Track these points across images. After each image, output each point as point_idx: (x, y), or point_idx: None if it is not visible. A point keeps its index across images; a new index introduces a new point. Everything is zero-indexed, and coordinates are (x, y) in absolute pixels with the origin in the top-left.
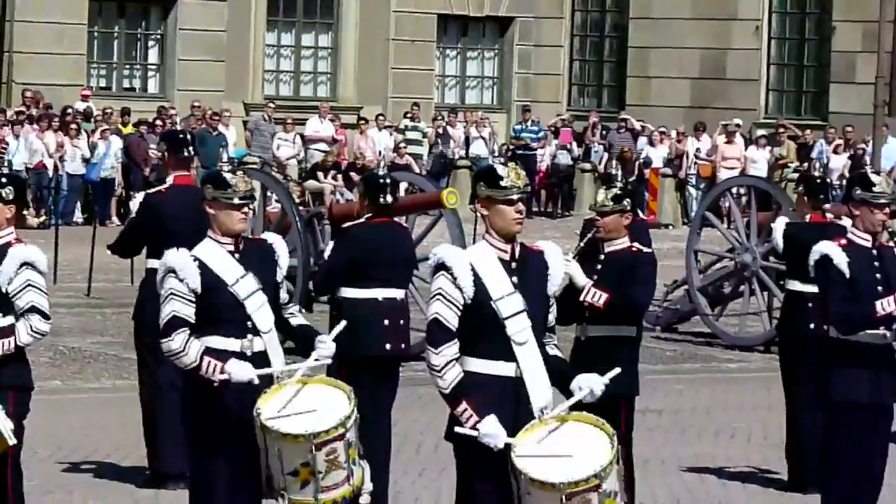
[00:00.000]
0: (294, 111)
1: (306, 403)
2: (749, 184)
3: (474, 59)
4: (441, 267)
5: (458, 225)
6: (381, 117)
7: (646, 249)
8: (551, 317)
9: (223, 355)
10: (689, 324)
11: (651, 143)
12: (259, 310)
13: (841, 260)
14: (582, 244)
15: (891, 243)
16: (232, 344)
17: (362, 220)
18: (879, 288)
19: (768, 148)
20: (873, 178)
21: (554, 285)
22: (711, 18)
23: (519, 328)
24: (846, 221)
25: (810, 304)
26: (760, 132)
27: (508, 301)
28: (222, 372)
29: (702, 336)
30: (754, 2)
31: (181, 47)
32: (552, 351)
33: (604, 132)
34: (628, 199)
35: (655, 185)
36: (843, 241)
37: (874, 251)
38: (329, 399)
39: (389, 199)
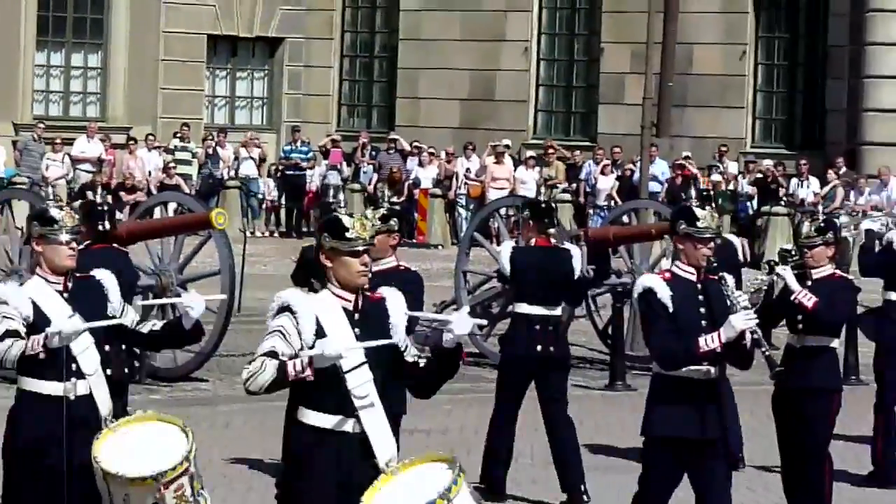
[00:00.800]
0: (64, 131)
1: (143, 443)
2: (518, 204)
3: (244, 80)
4: (286, 308)
5: (226, 245)
6: (150, 137)
7: (412, 268)
8: (409, 357)
9: (45, 401)
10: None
11: (420, 164)
12: (84, 352)
13: (664, 293)
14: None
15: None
16: (54, 388)
17: (82, 246)
18: (703, 322)
19: (537, 168)
20: (697, 212)
21: (397, 334)
22: (481, 40)
23: (359, 382)
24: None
25: (538, 327)
26: (529, 153)
27: (349, 354)
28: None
29: (470, 356)
30: (523, 23)
31: None
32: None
33: (373, 153)
34: (395, 220)
35: (425, 205)
36: (668, 275)
37: (699, 285)
38: (164, 435)
39: (107, 225)
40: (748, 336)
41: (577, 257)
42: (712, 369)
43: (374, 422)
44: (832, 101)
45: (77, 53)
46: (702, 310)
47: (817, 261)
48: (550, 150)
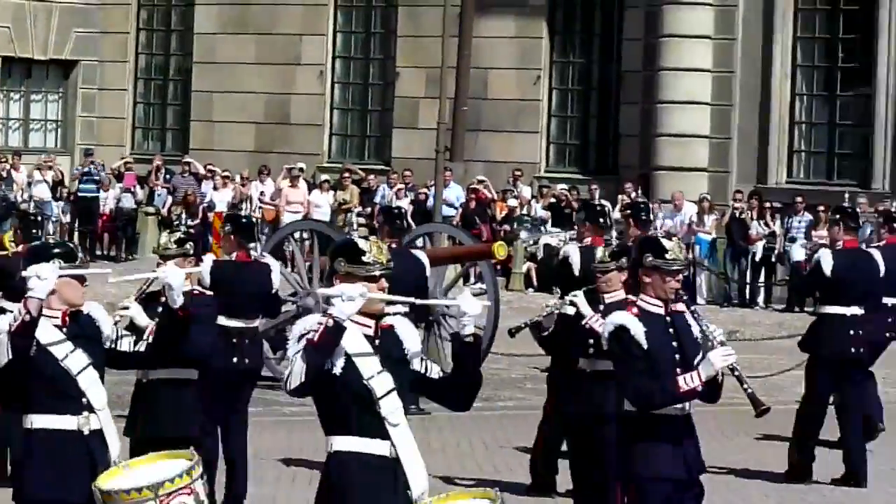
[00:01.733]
0: None
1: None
2: (312, 228)
3: (38, 102)
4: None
5: None
6: None
7: (207, 292)
8: (434, 374)
9: (58, 436)
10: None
11: (215, 188)
12: (92, 386)
13: (638, 330)
14: (145, 289)
15: (680, 307)
16: (68, 422)
17: None
18: (677, 356)
19: (332, 192)
20: (665, 243)
21: (415, 360)
22: (275, 63)
23: (392, 408)
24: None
25: (234, 340)
26: (324, 176)
27: (379, 380)
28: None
29: (265, 380)
30: (318, 47)
31: None
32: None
33: (168, 176)
34: (191, 243)
35: (219, 228)
36: (635, 310)
37: (668, 318)
38: (170, 463)
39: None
40: (722, 373)
41: (276, 272)
42: (687, 404)
43: (408, 449)
44: (626, 126)
45: None
46: (673, 343)
47: (610, 286)
48: (346, 174)
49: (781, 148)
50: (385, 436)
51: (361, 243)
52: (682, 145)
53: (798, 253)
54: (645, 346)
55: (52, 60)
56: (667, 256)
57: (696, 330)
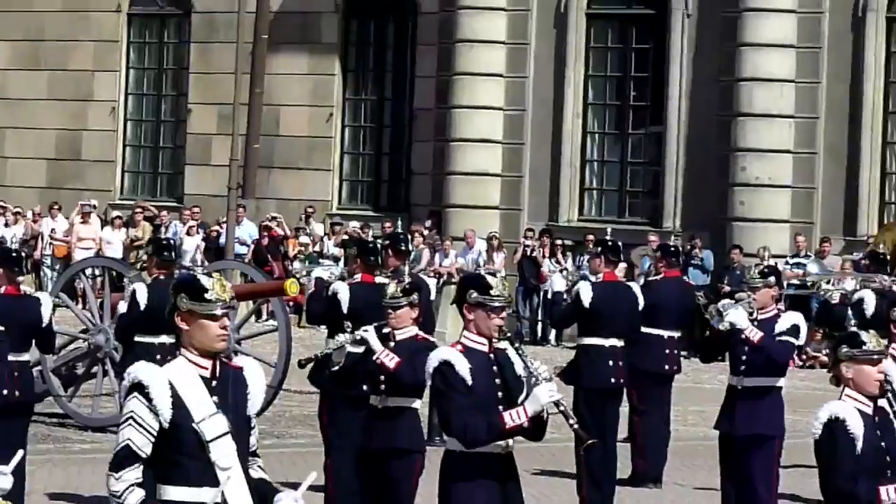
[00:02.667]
0: None
1: None
2: (103, 265)
3: None
4: (136, 387)
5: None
6: None
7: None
8: (253, 439)
9: None
10: (44, 405)
11: (6, 224)
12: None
13: (462, 367)
14: None
15: (503, 345)
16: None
17: None
18: (500, 394)
19: (124, 229)
20: (490, 280)
21: (255, 406)
22: (67, 99)
23: (223, 452)
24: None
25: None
26: (116, 213)
27: (211, 423)
28: None
29: (55, 416)
30: (111, 83)
31: None
32: (256, 474)
33: None
34: None
35: None
36: (460, 347)
37: (491, 356)
38: None
39: None
40: (548, 409)
41: (47, 305)
42: (510, 442)
43: (238, 494)
44: (418, 164)
45: None
46: (497, 381)
47: (400, 322)
48: (138, 210)
49: (573, 186)
50: (214, 482)
51: (204, 280)
52: (473, 183)
53: (559, 283)
54: (469, 383)
55: None
56: (491, 293)
57: (519, 367)
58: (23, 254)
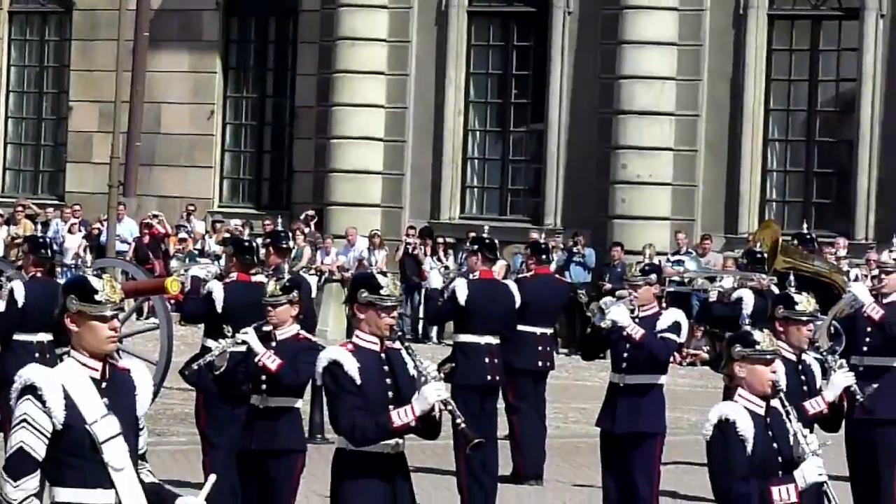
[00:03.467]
0: None
1: None
2: None
3: None
4: (28, 389)
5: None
6: None
7: None
8: (142, 441)
9: None
10: None
11: None
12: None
13: (351, 365)
14: None
15: (396, 345)
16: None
17: None
18: (390, 394)
19: (5, 227)
20: (381, 279)
21: (143, 406)
22: None
23: (116, 453)
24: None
25: None
26: None
27: (103, 424)
28: None
29: None
30: None
31: None
32: (147, 478)
33: None
34: None
35: None
36: (351, 346)
37: (382, 355)
38: None
39: None
40: (438, 407)
41: None
42: (400, 441)
43: (131, 493)
44: (299, 162)
45: None
46: (388, 380)
47: (279, 320)
48: (20, 209)
49: (455, 184)
50: (109, 484)
51: (94, 281)
52: (355, 181)
53: (436, 281)
54: (358, 382)
55: None
56: (382, 293)
57: (411, 366)
58: None
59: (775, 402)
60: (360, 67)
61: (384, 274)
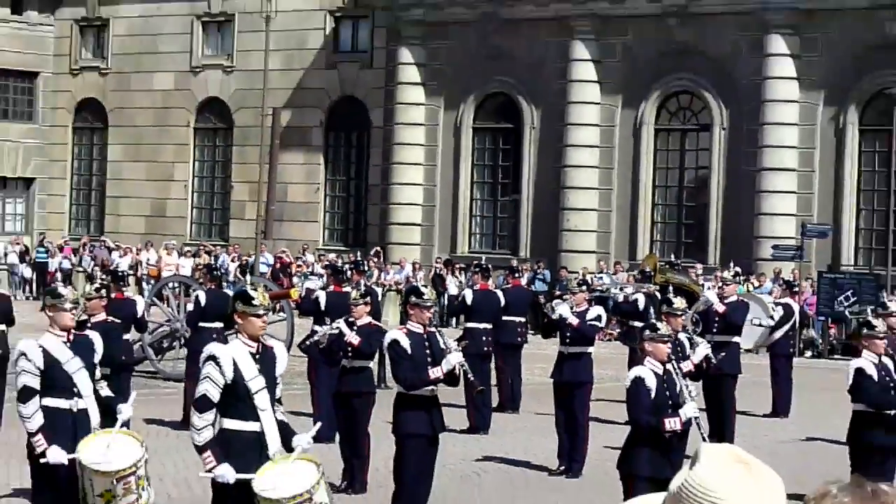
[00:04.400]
0: None
1: (112, 445)
2: (179, 280)
3: (10, 203)
4: (211, 358)
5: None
6: None
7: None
8: (278, 391)
9: (57, 413)
10: (143, 365)
11: (120, 255)
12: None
13: (405, 342)
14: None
15: (432, 329)
16: (62, 403)
17: None
18: (428, 359)
19: (192, 258)
20: (423, 289)
21: (280, 369)
22: (157, 180)
23: (262, 399)
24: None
25: None
26: (187, 248)
27: (255, 381)
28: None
29: (149, 373)
30: (185, 170)
31: None
32: (281, 417)
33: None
34: (105, 290)
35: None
36: (405, 330)
37: (424, 336)
38: (127, 445)
39: None
40: (457, 367)
41: (140, 303)
42: (434, 388)
43: (270, 427)
44: (371, 218)
45: None
46: (427, 351)
47: (359, 315)
48: (201, 247)
49: (465, 230)
50: (256, 419)
51: (251, 291)
52: (404, 229)
53: (453, 289)
54: (409, 352)
55: (19, 177)
56: (423, 297)
57: (441, 343)
58: (128, 274)
59: (669, 366)
60: (407, 160)
61: (424, 286)
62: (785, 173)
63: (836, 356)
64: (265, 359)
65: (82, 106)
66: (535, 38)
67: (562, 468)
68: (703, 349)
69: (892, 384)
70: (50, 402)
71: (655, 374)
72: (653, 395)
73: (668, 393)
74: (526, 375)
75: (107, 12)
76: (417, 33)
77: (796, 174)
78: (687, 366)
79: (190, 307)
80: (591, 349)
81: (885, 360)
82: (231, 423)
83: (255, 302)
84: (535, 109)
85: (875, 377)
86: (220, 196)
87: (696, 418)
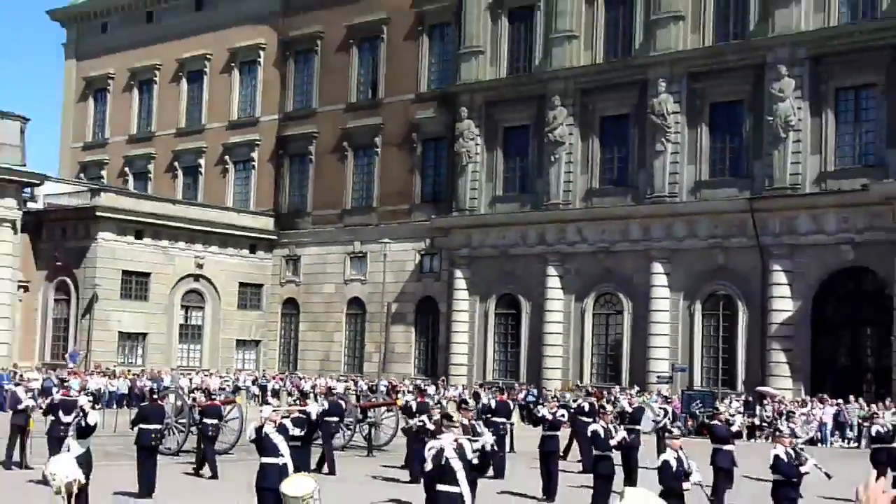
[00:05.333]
0: None
1: (294, 482)
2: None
3: None
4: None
5: None
6: None
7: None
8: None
9: None
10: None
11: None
12: None
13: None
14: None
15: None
16: None
17: None
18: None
19: None
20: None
21: (468, 454)
22: None
23: (458, 473)
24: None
25: None
26: None
27: (455, 462)
28: None
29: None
30: None
31: None
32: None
33: None
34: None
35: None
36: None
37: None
38: (303, 481)
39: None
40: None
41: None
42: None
43: (465, 488)
44: None
45: None
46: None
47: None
48: None
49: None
50: (456, 483)
51: (454, 414)
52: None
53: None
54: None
55: (252, 339)
56: (453, 419)
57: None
58: (310, 391)
59: (681, 454)
60: (459, 329)
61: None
62: (662, 337)
63: (691, 436)
64: (460, 450)
65: (286, 302)
66: (530, 266)
67: (543, 497)
68: (621, 433)
69: (682, 473)
70: None
71: (675, 457)
72: (673, 469)
73: (681, 468)
74: (518, 446)
75: (299, 251)
76: (465, 262)
77: (668, 338)
78: (614, 441)
79: (320, 408)
80: (559, 433)
81: (680, 453)
82: (440, 487)
83: (454, 420)
84: (527, 303)
85: (673, 467)
86: (360, 349)
87: (700, 482)
